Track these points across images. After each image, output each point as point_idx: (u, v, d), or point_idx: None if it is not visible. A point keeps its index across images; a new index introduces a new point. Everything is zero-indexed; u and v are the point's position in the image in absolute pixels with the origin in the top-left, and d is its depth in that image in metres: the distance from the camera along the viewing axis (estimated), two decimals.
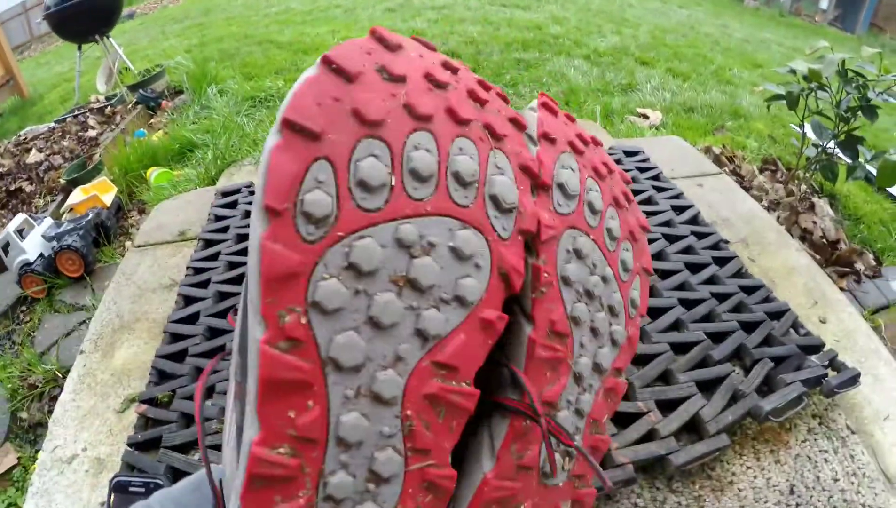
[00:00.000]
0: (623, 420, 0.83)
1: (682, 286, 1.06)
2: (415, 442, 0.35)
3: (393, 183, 0.33)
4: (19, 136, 3.64)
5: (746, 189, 2.48)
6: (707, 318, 1.01)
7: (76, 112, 3.88)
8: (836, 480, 0.86)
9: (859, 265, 2.36)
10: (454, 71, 0.39)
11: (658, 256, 1.12)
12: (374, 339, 0.34)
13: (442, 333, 0.36)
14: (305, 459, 0.32)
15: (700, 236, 1.19)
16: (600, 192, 0.47)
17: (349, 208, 0.32)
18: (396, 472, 0.35)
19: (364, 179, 0.32)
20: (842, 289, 2.21)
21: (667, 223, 1.21)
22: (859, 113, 2.18)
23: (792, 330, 1.04)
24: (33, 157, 3.29)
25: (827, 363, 0.96)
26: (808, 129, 2.38)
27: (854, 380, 0.94)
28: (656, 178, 1.35)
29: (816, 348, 1.00)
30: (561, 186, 0.43)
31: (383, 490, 0.35)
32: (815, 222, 2.40)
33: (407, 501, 0.36)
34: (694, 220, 1.23)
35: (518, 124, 0.42)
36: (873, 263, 2.42)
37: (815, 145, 2.37)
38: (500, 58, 3.75)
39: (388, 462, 0.34)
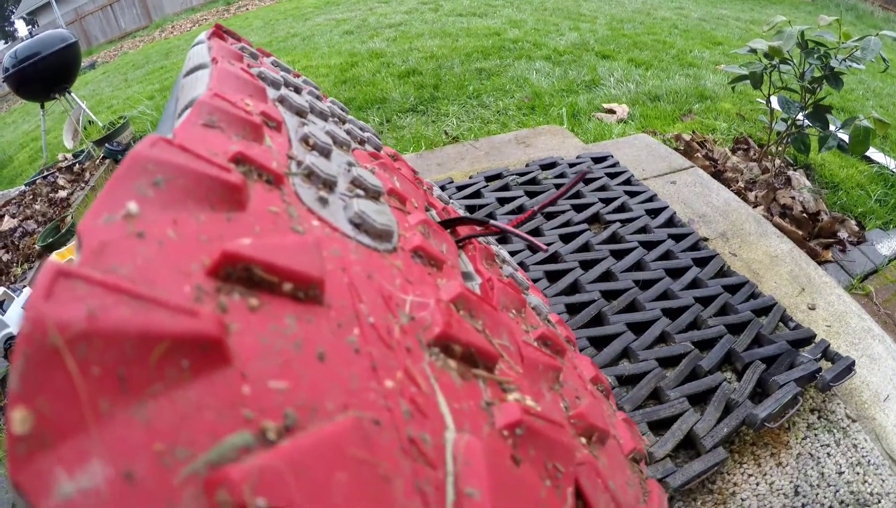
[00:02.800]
0: None
1: (664, 296, 1.04)
2: None
3: None
4: None
5: (721, 172, 2.48)
6: (693, 325, 0.99)
7: (45, 173, 3.83)
8: (841, 473, 0.85)
9: (842, 233, 2.36)
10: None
11: (637, 265, 1.11)
12: None
13: None
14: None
15: (677, 238, 1.17)
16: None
17: None
18: None
19: None
20: (828, 261, 2.21)
21: (643, 230, 1.19)
22: (824, 82, 2.19)
23: (781, 324, 1.02)
24: (7, 223, 3.25)
25: (820, 354, 0.95)
26: (775, 103, 2.38)
27: (849, 369, 0.93)
28: (628, 182, 1.34)
29: (808, 340, 0.98)
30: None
31: None
32: (793, 197, 2.40)
33: None
34: (670, 222, 1.21)
35: None
36: (856, 228, 2.42)
37: (785, 119, 2.37)
38: (461, 70, 3.75)
39: None
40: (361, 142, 0.54)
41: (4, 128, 7.58)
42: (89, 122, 4.46)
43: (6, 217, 3.32)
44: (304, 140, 0.40)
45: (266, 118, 0.37)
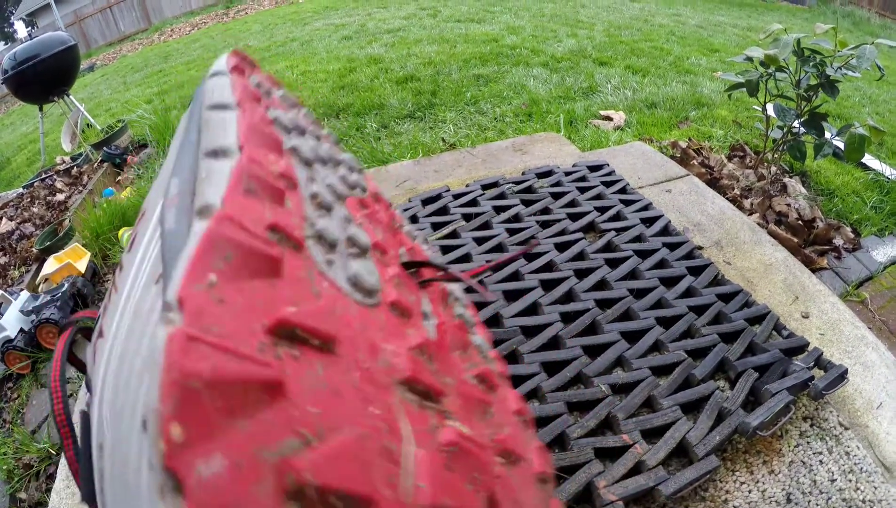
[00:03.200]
0: (610, 455, 0.82)
1: (658, 304, 1.05)
2: None
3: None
4: None
5: (717, 180, 2.49)
6: (687, 334, 1.00)
7: (43, 176, 3.84)
8: (833, 480, 0.85)
9: (838, 240, 2.37)
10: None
11: (632, 274, 1.11)
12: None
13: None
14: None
15: (672, 246, 1.18)
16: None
17: None
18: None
19: None
20: (823, 268, 2.22)
21: (638, 238, 1.20)
22: (820, 90, 2.20)
23: (775, 332, 1.03)
24: (4, 226, 3.25)
25: (813, 363, 0.96)
26: (771, 110, 2.39)
27: (841, 378, 0.94)
28: (623, 190, 1.34)
29: (801, 348, 0.99)
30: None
31: None
32: (789, 205, 2.41)
33: None
34: (665, 230, 1.22)
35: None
36: (851, 235, 2.43)
37: (781, 127, 2.38)
38: (458, 76, 3.76)
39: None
40: (353, 187, 0.61)
41: (3, 130, 7.59)
42: (87, 125, 4.46)
43: (3, 220, 3.33)
44: (314, 198, 0.48)
45: (286, 179, 0.45)
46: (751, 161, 2.71)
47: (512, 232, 1.20)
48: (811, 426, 0.92)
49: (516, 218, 1.25)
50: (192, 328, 0.27)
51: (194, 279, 0.30)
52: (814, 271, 2.11)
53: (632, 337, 0.98)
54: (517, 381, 0.90)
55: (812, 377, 0.92)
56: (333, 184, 0.55)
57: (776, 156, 2.55)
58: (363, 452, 0.31)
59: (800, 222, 2.35)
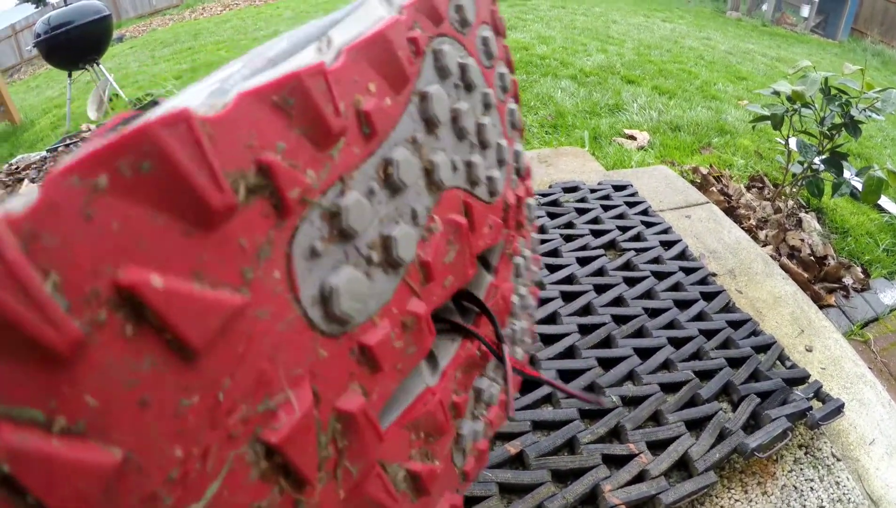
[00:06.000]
0: (616, 462, 0.86)
1: (671, 325, 1.09)
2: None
3: None
4: (10, 164, 3.62)
5: (734, 208, 2.53)
6: (696, 356, 1.04)
7: (68, 141, 3.89)
8: (822, 507, 0.89)
9: (847, 280, 2.40)
10: None
11: (648, 294, 1.16)
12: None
13: None
14: None
15: (688, 271, 1.22)
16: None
17: None
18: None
19: None
20: (830, 305, 2.26)
21: (656, 260, 1.24)
22: (843, 130, 2.23)
23: (779, 362, 1.07)
24: (26, 187, 3.29)
25: (812, 394, 1.00)
26: (793, 144, 2.42)
27: (838, 411, 0.98)
28: (645, 212, 1.39)
29: (802, 379, 1.03)
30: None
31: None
32: (802, 240, 2.45)
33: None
34: (682, 255, 1.26)
35: None
36: (861, 276, 2.47)
37: (801, 162, 2.42)
38: None
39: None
40: (473, 183, 0.42)
41: (29, 92, 7.63)
42: (115, 95, 4.51)
43: (25, 181, 3.37)
44: (385, 165, 0.32)
45: (366, 121, 0.30)
46: (769, 193, 2.75)
47: None
48: (805, 453, 0.96)
49: (541, 229, 1.29)
50: (17, 222, 0.17)
51: (76, 170, 0.19)
52: (821, 307, 2.15)
53: (644, 353, 1.03)
54: (533, 385, 0.94)
55: (810, 408, 0.96)
56: (456, 163, 0.39)
57: (794, 190, 2.59)
58: (115, 486, 0.21)
59: (812, 257, 2.39)
